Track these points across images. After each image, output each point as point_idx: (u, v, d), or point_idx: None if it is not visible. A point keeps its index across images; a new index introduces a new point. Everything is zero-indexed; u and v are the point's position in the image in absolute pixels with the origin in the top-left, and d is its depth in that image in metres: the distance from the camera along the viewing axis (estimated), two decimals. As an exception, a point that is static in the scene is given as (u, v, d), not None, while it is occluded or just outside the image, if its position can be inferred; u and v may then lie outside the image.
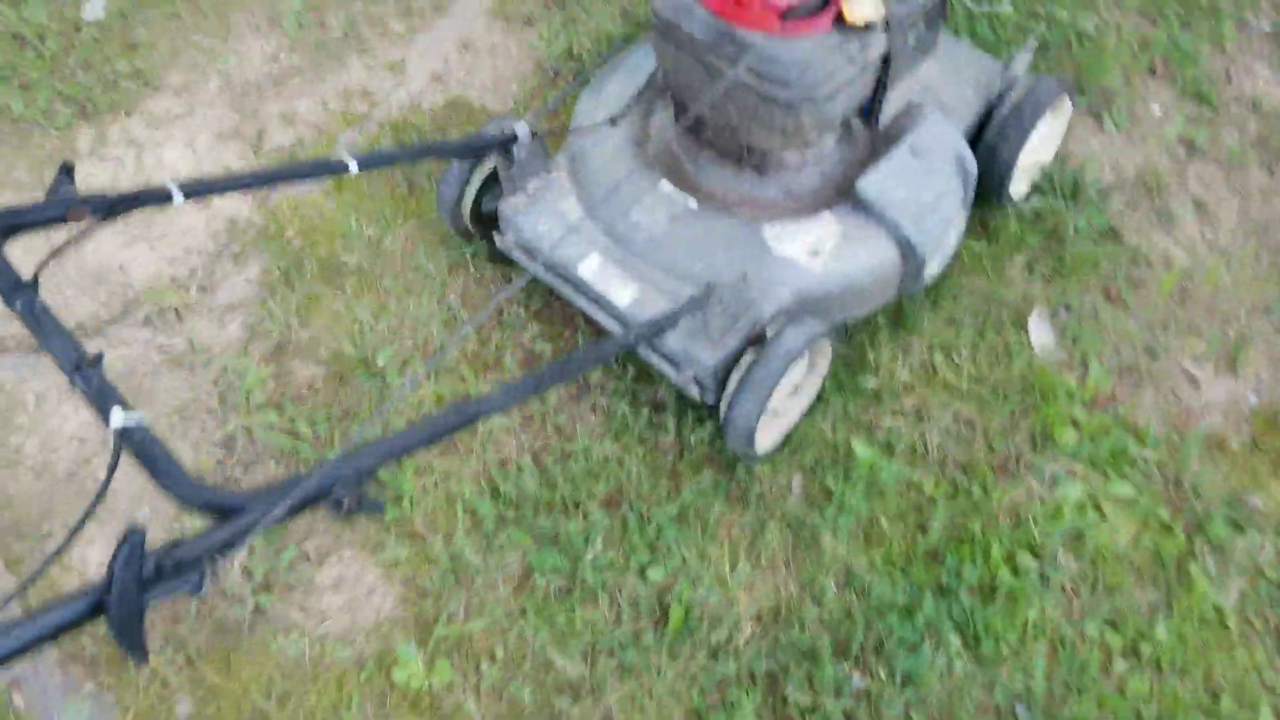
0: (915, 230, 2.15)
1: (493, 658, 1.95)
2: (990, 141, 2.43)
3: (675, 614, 1.98)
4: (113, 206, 1.52)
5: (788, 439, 2.21)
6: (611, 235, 2.22)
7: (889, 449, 2.22)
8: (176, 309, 2.45)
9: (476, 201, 2.40)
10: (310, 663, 1.95)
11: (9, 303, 1.31)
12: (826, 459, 2.20)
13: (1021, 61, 2.54)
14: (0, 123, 2.84)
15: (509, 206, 2.29)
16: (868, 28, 2.01)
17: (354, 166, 1.86)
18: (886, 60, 2.13)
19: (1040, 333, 2.43)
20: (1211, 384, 2.38)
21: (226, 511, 1.18)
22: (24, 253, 1.64)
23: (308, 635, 1.98)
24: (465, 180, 2.35)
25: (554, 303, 2.44)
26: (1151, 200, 2.67)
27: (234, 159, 2.79)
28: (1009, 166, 2.45)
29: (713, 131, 2.25)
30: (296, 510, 1.22)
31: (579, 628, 1.97)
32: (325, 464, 1.26)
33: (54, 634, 1.06)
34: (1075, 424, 2.25)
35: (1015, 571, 2.04)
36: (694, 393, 2.09)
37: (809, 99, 1.97)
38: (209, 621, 1.99)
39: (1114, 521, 2.12)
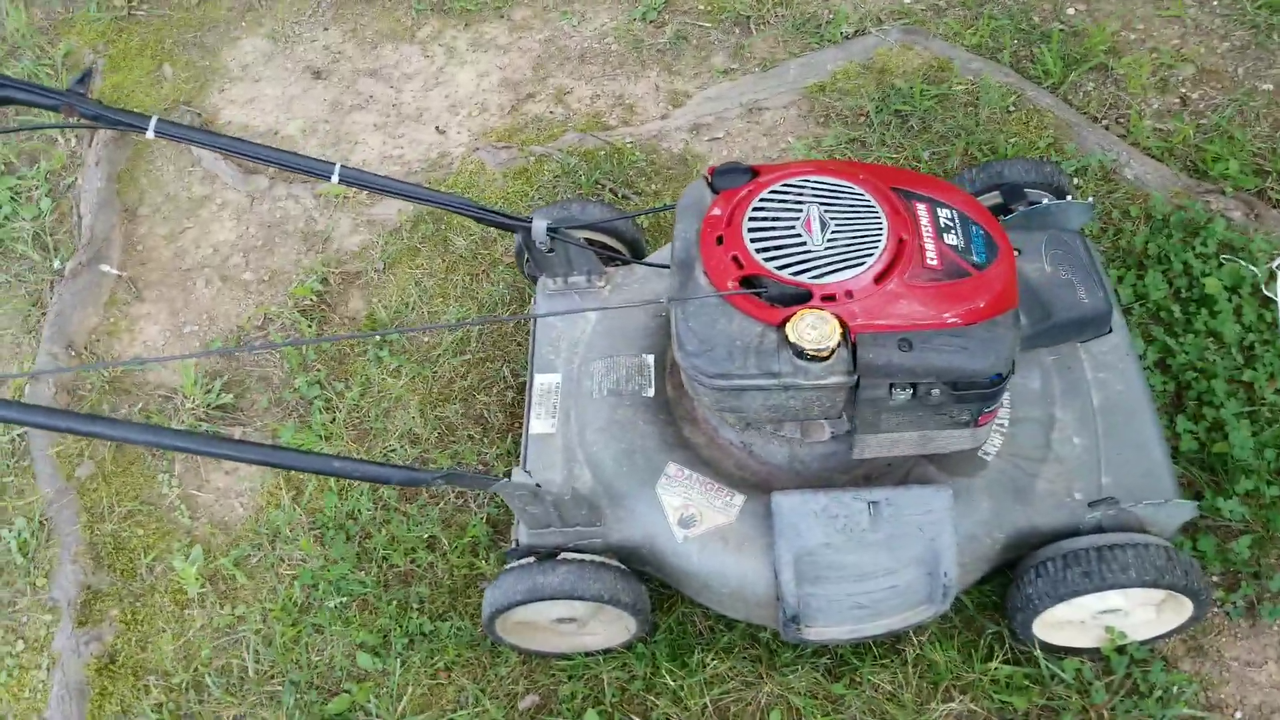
0: (793, 583, 1.86)
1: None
2: (1026, 566, 1.94)
3: (340, 702, 2.14)
4: (97, 117, 1.85)
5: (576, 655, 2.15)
6: (581, 370, 2.20)
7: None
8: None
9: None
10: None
11: None
12: (577, 697, 2.11)
13: (1171, 516, 1.92)
14: (385, -4, 3.39)
15: (544, 284, 2.33)
16: (806, 356, 1.69)
17: (335, 178, 1.93)
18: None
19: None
20: None
21: None
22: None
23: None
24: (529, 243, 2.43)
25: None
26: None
27: (495, 107, 3.08)
28: (1027, 609, 1.93)
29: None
30: None
31: (292, 647, 2.24)
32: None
33: None
34: None
35: None
36: (512, 555, 2.11)
37: (699, 382, 1.76)
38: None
39: None
